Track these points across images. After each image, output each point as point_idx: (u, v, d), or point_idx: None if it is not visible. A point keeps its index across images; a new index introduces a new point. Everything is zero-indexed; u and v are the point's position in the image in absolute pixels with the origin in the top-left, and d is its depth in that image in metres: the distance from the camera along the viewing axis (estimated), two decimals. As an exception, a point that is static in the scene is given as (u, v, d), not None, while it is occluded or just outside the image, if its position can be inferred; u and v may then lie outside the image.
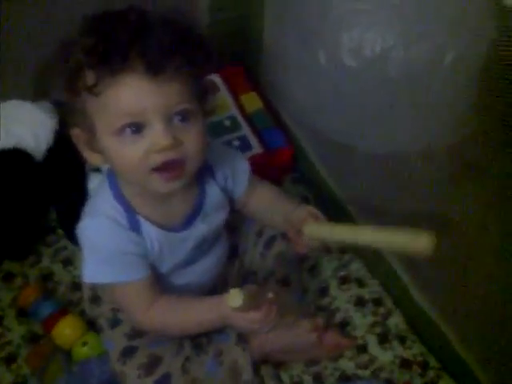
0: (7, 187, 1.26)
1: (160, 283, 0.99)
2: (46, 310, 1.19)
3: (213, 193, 1.01)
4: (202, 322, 0.98)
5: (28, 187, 1.29)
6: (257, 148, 1.39)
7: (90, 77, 0.80)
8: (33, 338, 1.19)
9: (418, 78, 1.01)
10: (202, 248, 1.03)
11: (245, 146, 1.39)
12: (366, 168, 1.21)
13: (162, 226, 0.96)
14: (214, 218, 1.02)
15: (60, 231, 1.35)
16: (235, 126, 1.43)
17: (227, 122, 1.43)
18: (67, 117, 0.88)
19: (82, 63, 0.80)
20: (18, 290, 1.25)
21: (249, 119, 1.45)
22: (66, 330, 1.16)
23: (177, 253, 1.00)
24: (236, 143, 1.39)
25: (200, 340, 1.10)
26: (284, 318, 0.98)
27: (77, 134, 0.88)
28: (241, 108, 1.47)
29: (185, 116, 0.84)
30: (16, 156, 1.29)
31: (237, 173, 1.05)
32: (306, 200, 1.42)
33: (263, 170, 1.32)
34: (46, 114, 1.29)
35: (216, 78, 1.49)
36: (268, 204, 1.10)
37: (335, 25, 1.12)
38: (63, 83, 0.84)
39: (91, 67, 0.79)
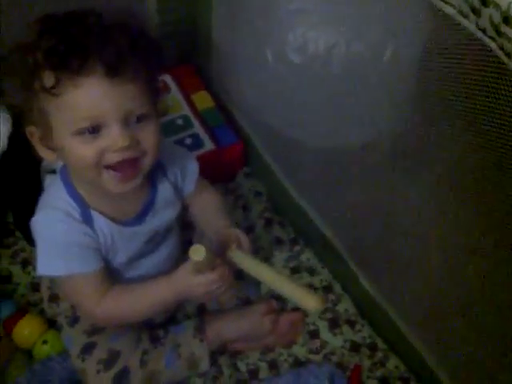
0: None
1: (113, 276, 1.00)
2: (5, 310, 1.19)
3: (164, 190, 1.02)
4: (155, 303, 0.98)
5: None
6: (209, 145, 1.42)
7: (48, 78, 0.80)
8: (-7, 339, 1.19)
9: (359, 73, 1.05)
10: (154, 241, 1.04)
11: (197, 143, 1.41)
12: (315, 162, 1.24)
13: (114, 220, 0.96)
14: (165, 214, 1.03)
15: (18, 233, 1.35)
16: (187, 124, 1.45)
17: (179, 121, 1.45)
18: (22, 114, 0.87)
19: (40, 64, 0.80)
20: (-24, 292, 1.25)
21: (200, 117, 1.47)
22: (26, 330, 1.16)
23: (129, 246, 1.01)
24: (188, 141, 1.41)
25: (157, 332, 1.11)
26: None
27: (32, 131, 0.88)
28: (192, 106, 1.49)
29: (141, 117, 0.85)
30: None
31: (186, 172, 1.07)
32: (258, 194, 1.47)
33: (215, 166, 1.36)
34: (0, 116, 1.29)
35: (167, 78, 1.51)
36: (207, 213, 1.11)
37: (281, 24, 1.15)
38: (19, 83, 0.84)
39: (50, 68, 0.80)
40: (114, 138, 0.83)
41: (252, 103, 1.35)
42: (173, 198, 1.05)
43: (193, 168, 1.08)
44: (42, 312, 1.22)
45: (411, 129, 0.95)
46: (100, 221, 0.95)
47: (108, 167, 0.86)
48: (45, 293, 1.16)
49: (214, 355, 1.15)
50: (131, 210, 0.99)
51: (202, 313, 1.18)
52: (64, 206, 0.93)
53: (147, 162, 0.89)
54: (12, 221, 1.37)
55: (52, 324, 1.18)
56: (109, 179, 0.87)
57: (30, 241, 1.31)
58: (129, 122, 0.84)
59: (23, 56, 0.82)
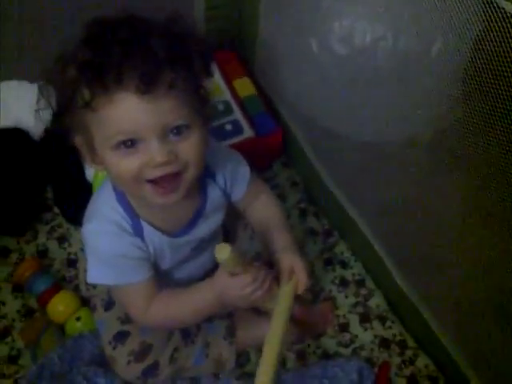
0: (6, 165, 1.28)
1: (158, 279, 0.99)
2: (41, 285, 1.21)
3: (214, 195, 1.00)
4: (200, 307, 0.98)
5: (26, 165, 1.31)
6: (248, 132, 1.41)
7: (85, 92, 0.79)
8: (27, 313, 1.22)
9: (405, 68, 1.03)
10: (200, 248, 1.04)
11: (237, 130, 1.41)
12: (353, 154, 1.22)
13: (164, 232, 0.96)
14: (213, 220, 1.02)
15: (56, 209, 1.36)
16: (228, 110, 1.45)
17: (220, 106, 1.44)
18: (69, 126, 0.86)
19: (77, 78, 0.79)
20: (14, 265, 1.27)
21: (241, 104, 1.47)
22: (60, 305, 1.18)
23: (177, 254, 1.01)
24: (228, 127, 1.41)
25: (189, 329, 1.11)
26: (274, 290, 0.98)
27: (79, 141, 0.87)
28: (233, 92, 1.48)
29: (180, 130, 0.82)
30: (15, 135, 1.31)
31: (237, 176, 1.04)
32: (294, 184, 1.46)
33: (253, 154, 1.35)
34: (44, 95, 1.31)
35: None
36: (264, 227, 1.09)
37: (327, 14, 1.13)
38: (61, 95, 0.83)
39: (86, 83, 0.78)
40: (151, 154, 0.81)
41: (293, 92, 1.34)
42: (221, 204, 1.03)
43: (243, 172, 1.05)
44: (76, 288, 1.24)
45: (456, 126, 0.92)
46: (150, 232, 0.94)
47: (148, 181, 0.84)
48: (82, 274, 1.18)
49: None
50: (181, 219, 0.98)
51: (232, 313, 1.16)
52: (115, 218, 0.92)
53: (190, 175, 0.86)
54: (50, 197, 1.39)
55: (85, 301, 1.20)
56: (150, 193, 0.86)
57: (68, 217, 1.34)
58: (167, 135, 0.81)
59: (63, 68, 0.80)
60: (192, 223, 0.99)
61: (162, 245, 0.96)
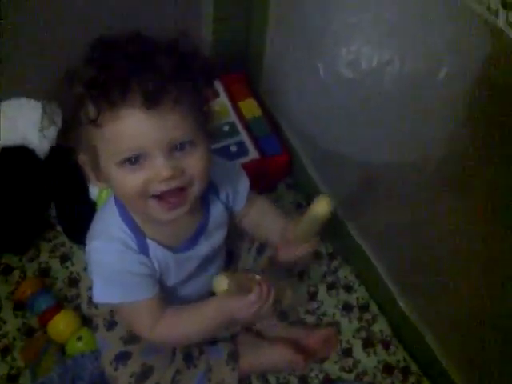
0: (11, 182, 1.28)
1: (164, 297, 0.98)
2: (42, 304, 1.21)
3: (217, 211, 1.00)
4: (207, 324, 0.97)
5: (30, 183, 1.31)
6: (253, 154, 1.42)
7: (90, 109, 0.79)
8: (28, 331, 1.21)
9: (412, 92, 1.03)
10: (205, 264, 1.04)
11: (242, 151, 1.41)
12: (358, 177, 1.23)
13: (168, 248, 0.95)
14: (216, 236, 1.02)
15: (59, 227, 1.36)
16: (233, 131, 1.45)
17: (226, 128, 1.45)
18: (74, 143, 0.86)
19: (83, 95, 0.79)
20: (16, 283, 1.27)
21: (247, 126, 1.47)
22: (61, 325, 1.18)
23: (182, 271, 1.00)
24: (234, 148, 1.41)
25: (192, 351, 1.10)
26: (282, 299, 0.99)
27: (83, 159, 0.87)
28: (239, 114, 1.49)
29: (186, 144, 0.82)
30: (21, 153, 1.31)
31: (237, 190, 1.04)
32: (299, 206, 1.46)
33: (259, 175, 1.35)
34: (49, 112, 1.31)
35: (216, 83, 1.51)
36: (264, 219, 1.10)
37: (334, 38, 1.14)
38: (66, 112, 0.83)
39: (91, 99, 0.78)
40: (157, 170, 0.81)
41: (300, 115, 1.34)
42: (224, 219, 1.03)
43: (244, 185, 1.06)
44: (77, 308, 1.23)
45: (462, 150, 0.93)
46: (155, 249, 0.94)
47: (154, 196, 0.84)
48: (84, 293, 1.16)
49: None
50: (185, 234, 0.98)
51: (236, 337, 1.16)
52: (121, 236, 0.92)
53: (195, 190, 0.86)
54: (53, 215, 1.38)
55: (86, 321, 1.19)
56: (155, 208, 0.85)
57: (70, 236, 1.33)
58: (172, 150, 0.81)
59: (69, 85, 0.80)
60: (195, 239, 0.99)
61: (166, 260, 0.96)
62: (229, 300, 0.91)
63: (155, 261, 0.95)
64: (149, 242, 0.93)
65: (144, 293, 0.94)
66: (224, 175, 1.01)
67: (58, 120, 0.85)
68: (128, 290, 0.94)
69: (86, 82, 0.78)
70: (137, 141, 0.79)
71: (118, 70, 0.77)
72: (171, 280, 1.00)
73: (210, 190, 0.98)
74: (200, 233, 0.99)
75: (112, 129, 0.79)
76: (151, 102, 0.77)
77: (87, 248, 0.94)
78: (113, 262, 0.92)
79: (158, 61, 0.78)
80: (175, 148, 0.82)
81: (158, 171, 0.81)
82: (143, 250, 0.93)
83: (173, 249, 0.96)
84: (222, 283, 0.85)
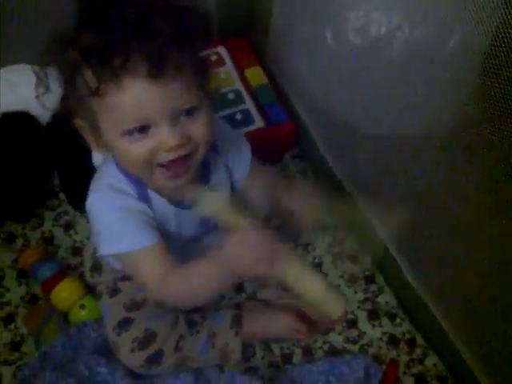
0: (13, 149, 1.27)
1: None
2: (45, 272, 1.20)
3: (217, 169, 1.00)
4: (212, 279, 0.89)
5: (33, 150, 1.30)
6: (259, 122, 1.39)
7: (90, 77, 0.77)
8: (31, 299, 1.21)
9: (421, 60, 1.01)
10: (207, 225, 1.02)
11: (247, 119, 1.39)
12: (365, 147, 1.21)
13: (171, 201, 0.94)
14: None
15: (62, 196, 1.36)
16: (239, 99, 1.43)
17: (231, 96, 1.42)
18: (70, 107, 0.83)
19: (80, 62, 0.77)
20: (19, 251, 1.26)
21: (252, 93, 1.44)
22: (65, 293, 1.18)
23: (184, 229, 0.99)
24: (239, 117, 1.39)
25: (194, 317, 1.10)
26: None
27: (80, 124, 0.85)
28: (245, 82, 1.46)
29: (191, 110, 0.81)
30: (23, 119, 1.30)
31: (240, 155, 1.04)
32: (304, 175, 1.44)
33: (264, 144, 1.33)
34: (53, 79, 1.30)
35: (222, 50, 1.50)
36: (267, 192, 1.05)
37: (342, 4, 1.12)
38: (62, 77, 0.80)
39: (91, 67, 0.76)
40: (163, 138, 0.80)
41: (306, 83, 1.32)
42: (225, 176, 1.02)
43: (247, 154, 1.04)
44: (80, 276, 1.23)
45: (473, 122, 0.91)
46: (158, 201, 0.93)
47: (159, 165, 0.84)
48: (87, 261, 1.16)
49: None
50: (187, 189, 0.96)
51: (240, 304, 1.15)
52: (119, 185, 0.91)
53: (199, 156, 0.86)
54: (56, 183, 1.38)
55: (90, 289, 1.19)
56: (160, 177, 0.85)
57: (74, 204, 1.33)
58: (178, 118, 0.81)
59: (62, 50, 0.78)
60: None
61: (168, 214, 0.95)
62: (227, 242, 0.82)
63: (157, 212, 0.93)
64: (150, 192, 0.92)
65: (150, 238, 0.91)
66: (223, 133, 1.00)
67: (55, 86, 0.83)
68: (133, 235, 0.90)
69: (83, 49, 0.76)
70: (142, 111, 0.78)
71: (116, 35, 0.74)
72: (173, 240, 0.97)
73: (211, 150, 0.96)
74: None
75: (115, 98, 0.77)
76: (155, 69, 0.75)
77: (87, 205, 0.92)
78: (113, 210, 0.90)
79: (157, 25, 0.75)
80: (180, 115, 0.81)
81: (164, 140, 0.80)
82: (144, 198, 0.92)
83: (176, 203, 0.95)
84: (213, 200, 0.83)
